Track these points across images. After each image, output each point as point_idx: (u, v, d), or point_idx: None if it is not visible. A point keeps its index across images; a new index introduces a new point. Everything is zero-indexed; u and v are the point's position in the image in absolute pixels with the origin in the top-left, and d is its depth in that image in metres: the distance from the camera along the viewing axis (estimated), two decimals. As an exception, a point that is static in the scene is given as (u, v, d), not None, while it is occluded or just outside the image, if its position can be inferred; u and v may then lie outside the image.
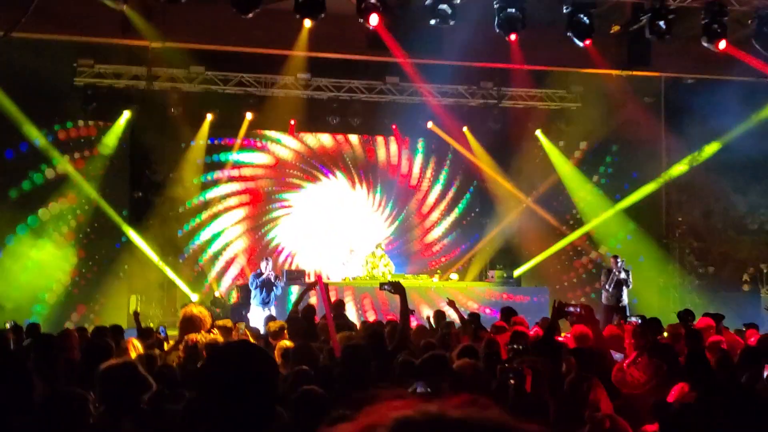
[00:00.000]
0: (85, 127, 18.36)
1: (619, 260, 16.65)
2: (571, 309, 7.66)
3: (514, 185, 20.48)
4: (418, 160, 21.42)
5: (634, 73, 16.64)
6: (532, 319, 11.25)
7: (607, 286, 16.44)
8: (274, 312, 14.96)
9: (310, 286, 12.16)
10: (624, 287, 16.41)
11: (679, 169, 19.88)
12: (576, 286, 20.74)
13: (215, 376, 2.47)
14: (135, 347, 8.03)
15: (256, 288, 15.81)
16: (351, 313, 15.64)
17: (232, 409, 2.39)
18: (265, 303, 15.62)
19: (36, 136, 17.11)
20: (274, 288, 15.80)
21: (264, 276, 15.75)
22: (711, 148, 19.05)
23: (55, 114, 17.63)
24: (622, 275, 16.45)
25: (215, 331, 8.09)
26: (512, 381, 5.29)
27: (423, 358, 5.92)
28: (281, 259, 20.18)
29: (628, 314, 14.52)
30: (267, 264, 15.99)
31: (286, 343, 7.73)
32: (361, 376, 5.57)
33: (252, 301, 15.83)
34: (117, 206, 18.38)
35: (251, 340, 9.22)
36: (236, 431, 2.41)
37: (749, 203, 19.79)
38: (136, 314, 11.17)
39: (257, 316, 14.80)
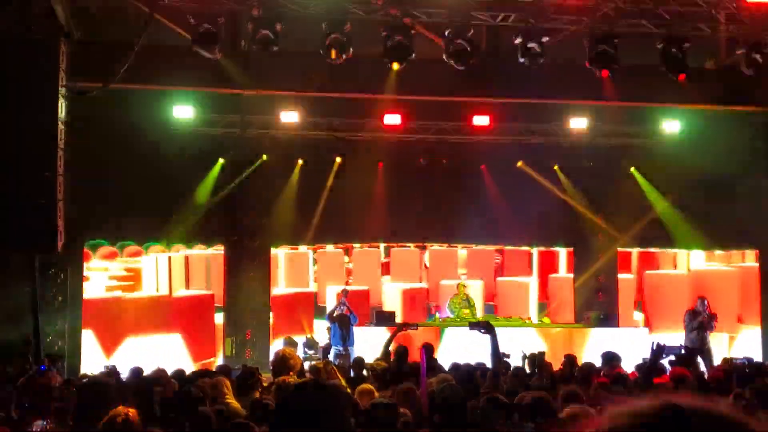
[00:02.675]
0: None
1: (705, 301, 16.21)
2: (673, 352, 7.42)
3: (607, 223, 20.09)
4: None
5: (732, 107, 16.26)
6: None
7: (691, 328, 16.10)
8: (353, 352, 15.01)
9: (400, 328, 12.12)
10: (708, 330, 16.05)
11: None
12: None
13: (282, 416, 2.51)
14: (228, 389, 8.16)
15: (331, 325, 15.95)
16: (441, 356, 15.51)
17: None
18: (343, 341, 15.67)
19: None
20: (350, 324, 15.87)
21: (336, 312, 15.89)
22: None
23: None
24: (706, 317, 16.02)
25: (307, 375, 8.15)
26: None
27: (533, 397, 5.81)
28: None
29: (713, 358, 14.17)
30: (342, 297, 16.18)
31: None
32: (456, 418, 5.52)
33: (332, 340, 15.96)
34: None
35: (340, 379, 9.20)
36: None
37: None
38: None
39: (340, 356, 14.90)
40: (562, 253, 21.81)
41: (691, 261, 21.71)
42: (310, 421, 2.47)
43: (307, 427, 2.46)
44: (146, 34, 12.70)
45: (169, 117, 17.11)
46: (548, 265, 22.22)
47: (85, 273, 17.11)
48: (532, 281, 21.97)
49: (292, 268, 21.74)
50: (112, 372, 11.67)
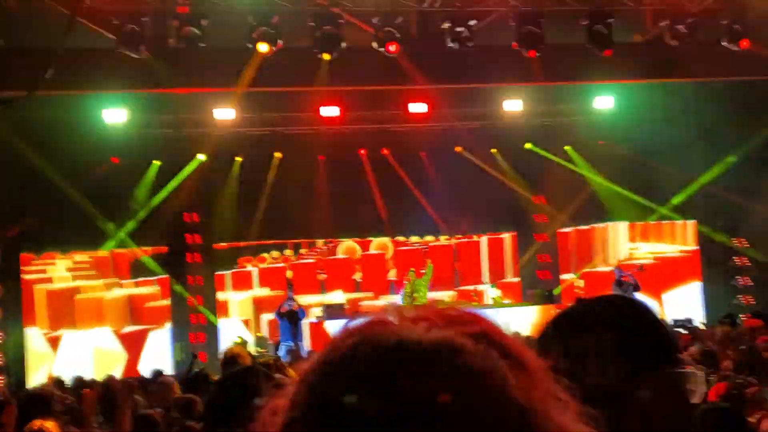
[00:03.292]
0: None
1: (620, 270, 17.48)
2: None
3: (547, 202, 20.33)
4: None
5: (662, 80, 16.53)
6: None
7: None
8: (306, 346, 14.99)
9: (351, 320, 12.10)
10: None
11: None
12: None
13: (214, 406, 2.45)
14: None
15: (280, 321, 15.91)
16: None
17: None
18: (293, 336, 15.63)
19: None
20: (299, 320, 15.83)
21: (285, 307, 15.86)
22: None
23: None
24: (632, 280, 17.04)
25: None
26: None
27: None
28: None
29: None
30: (288, 293, 16.15)
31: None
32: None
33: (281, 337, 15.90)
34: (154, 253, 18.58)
35: (291, 373, 9.14)
36: None
37: None
38: (193, 356, 11.17)
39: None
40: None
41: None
42: (243, 403, 2.42)
43: (240, 409, 2.41)
44: (70, 38, 12.46)
45: (100, 120, 16.84)
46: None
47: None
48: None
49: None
50: (57, 382, 11.47)
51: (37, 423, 4.25)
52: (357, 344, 0.82)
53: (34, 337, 17.13)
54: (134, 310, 18.71)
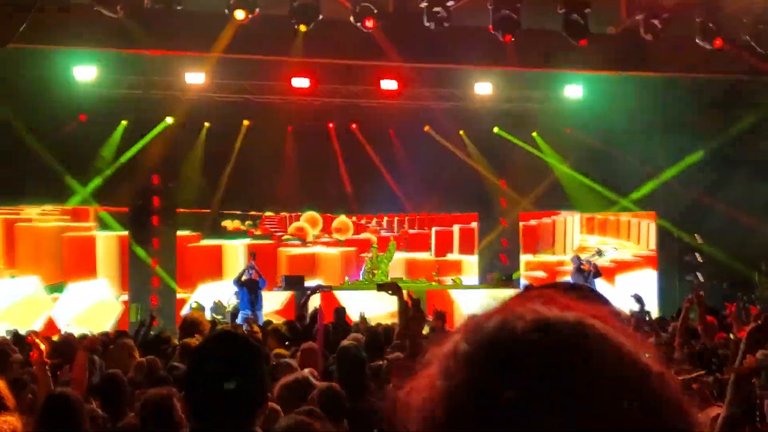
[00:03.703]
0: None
1: (578, 257, 17.85)
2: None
3: (511, 187, 20.52)
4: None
5: (632, 72, 16.71)
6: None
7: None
8: (262, 316, 15.04)
9: (313, 291, 12.19)
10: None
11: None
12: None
13: (194, 373, 2.48)
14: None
15: (239, 290, 15.93)
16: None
17: (217, 401, 2.39)
18: (251, 305, 15.66)
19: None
20: (258, 289, 15.88)
21: (245, 276, 15.90)
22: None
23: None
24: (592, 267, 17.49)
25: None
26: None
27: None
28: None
29: None
30: (250, 261, 16.19)
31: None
32: (357, 378, 5.63)
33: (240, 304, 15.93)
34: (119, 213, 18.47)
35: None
36: (226, 422, 2.42)
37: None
38: (152, 318, 11.14)
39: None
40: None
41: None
42: (227, 371, 2.44)
43: (224, 376, 2.43)
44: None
45: (70, 77, 16.63)
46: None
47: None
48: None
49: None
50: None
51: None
52: (531, 330, 0.86)
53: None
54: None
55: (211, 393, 2.39)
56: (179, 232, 19.30)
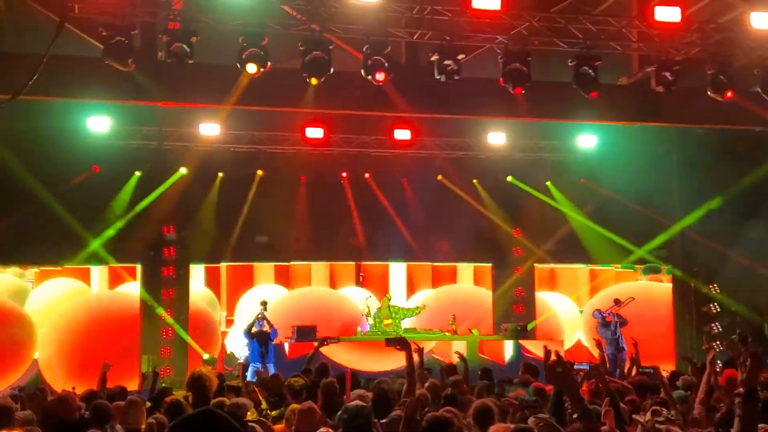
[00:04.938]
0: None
1: (600, 311, 17.58)
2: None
3: (525, 236, 20.39)
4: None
5: (644, 123, 16.66)
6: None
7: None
8: (273, 369, 14.86)
9: (321, 343, 12.04)
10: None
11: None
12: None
13: None
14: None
15: (249, 342, 15.76)
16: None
17: None
18: (262, 357, 15.48)
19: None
20: (269, 341, 15.72)
21: (255, 327, 15.75)
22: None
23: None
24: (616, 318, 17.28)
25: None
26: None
27: (429, 421, 5.79)
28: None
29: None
30: (261, 313, 16.03)
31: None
32: None
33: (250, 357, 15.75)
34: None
35: (261, 400, 9.08)
36: None
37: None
38: (155, 374, 10.99)
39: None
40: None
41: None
42: None
43: None
44: (58, 45, 12.34)
45: (84, 129, 16.76)
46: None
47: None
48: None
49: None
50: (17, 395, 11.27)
51: None
52: None
53: None
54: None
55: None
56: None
